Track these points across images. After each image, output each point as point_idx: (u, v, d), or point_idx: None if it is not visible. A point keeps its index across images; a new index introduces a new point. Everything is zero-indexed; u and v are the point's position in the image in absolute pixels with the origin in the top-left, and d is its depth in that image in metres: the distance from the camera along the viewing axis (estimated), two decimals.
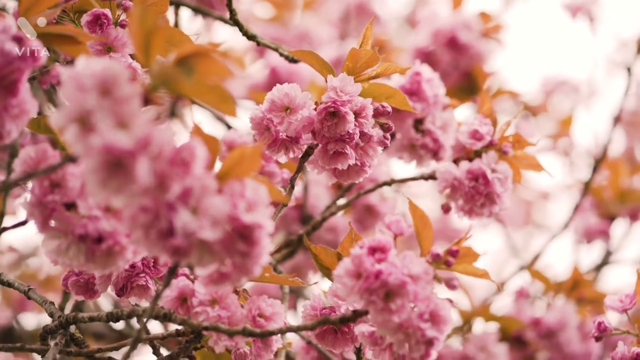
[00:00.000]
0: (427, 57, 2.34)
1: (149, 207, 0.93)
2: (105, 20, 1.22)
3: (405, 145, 1.59)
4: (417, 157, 1.60)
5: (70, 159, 0.97)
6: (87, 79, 0.89)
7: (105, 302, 2.39)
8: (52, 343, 1.20)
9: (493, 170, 1.45)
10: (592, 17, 3.33)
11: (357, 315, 1.12)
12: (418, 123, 1.58)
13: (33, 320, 2.78)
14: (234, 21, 1.55)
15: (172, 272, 1.04)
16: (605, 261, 2.82)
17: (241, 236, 0.96)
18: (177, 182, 0.91)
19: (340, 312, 1.20)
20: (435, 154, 1.58)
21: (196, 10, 1.92)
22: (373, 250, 1.09)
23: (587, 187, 2.55)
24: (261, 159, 0.99)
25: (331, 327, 1.22)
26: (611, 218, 2.64)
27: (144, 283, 1.24)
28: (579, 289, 2.29)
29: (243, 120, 3.14)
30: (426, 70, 1.57)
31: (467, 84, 2.40)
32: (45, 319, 2.69)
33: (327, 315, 1.17)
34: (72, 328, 1.24)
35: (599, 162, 2.56)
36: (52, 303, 1.27)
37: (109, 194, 0.90)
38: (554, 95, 3.65)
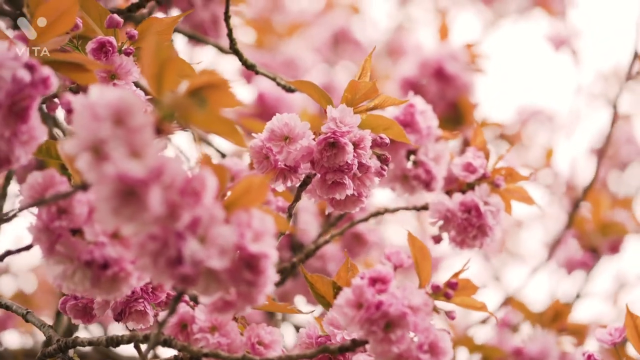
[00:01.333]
0: (414, 87, 2.36)
1: (158, 235, 0.94)
2: (110, 48, 1.23)
3: (397, 176, 1.60)
4: (409, 187, 1.61)
5: (83, 186, 0.98)
6: (101, 108, 0.90)
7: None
8: None
9: (485, 203, 1.47)
10: (574, 50, 3.39)
11: (356, 345, 1.14)
12: (411, 154, 1.60)
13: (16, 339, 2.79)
14: (234, 50, 1.56)
15: (178, 300, 1.05)
16: (581, 293, 2.85)
17: (248, 265, 0.97)
18: (187, 211, 0.92)
19: (335, 341, 1.21)
20: (427, 185, 1.59)
21: (191, 37, 1.94)
22: (374, 281, 1.10)
23: (571, 219, 2.58)
24: (268, 190, 1.00)
25: (326, 355, 1.23)
26: (592, 250, 2.68)
27: (142, 308, 1.25)
28: (560, 320, 2.31)
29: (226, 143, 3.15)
30: (420, 102, 1.59)
31: (453, 114, 2.42)
32: (30, 339, 2.70)
33: (326, 345, 1.18)
34: (71, 352, 1.24)
35: (584, 194, 2.59)
36: (50, 327, 1.28)
37: (121, 222, 0.91)
38: (529, 124, 3.70)
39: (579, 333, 2.38)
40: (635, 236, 2.84)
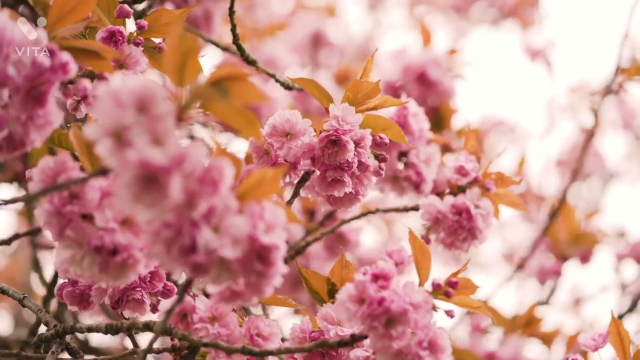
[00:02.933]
0: (395, 91, 2.37)
1: (173, 223, 0.95)
2: (120, 37, 1.24)
3: (388, 177, 1.62)
4: (399, 189, 1.63)
5: (100, 172, 0.99)
6: (125, 95, 0.91)
7: None
8: (49, 351, 1.21)
9: (476, 206, 1.49)
10: (549, 62, 3.43)
11: (354, 340, 1.15)
12: (402, 155, 1.62)
13: None
14: (237, 45, 1.57)
15: (186, 288, 1.06)
16: (549, 300, 2.89)
17: (259, 256, 0.98)
18: (205, 200, 0.94)
19: (329, 336, 1.22)
20: (417, 187, 1.62)
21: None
22: (376, 278, 1.12)
23: (545, 230, 2.63)
24: (280, 183, 1.02)
25: (319, 350, 1.24)
26: (564, 259, 2.72)
27: (140, 297, 1.25)
28: (532, 326, 2.35)
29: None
30: (412, 105, 1.61)
31: (434, 119, 2.44)
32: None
33: (325, 339, 1.19)
34: (68, 337, 1.25)
35: (559, 204, 2.63)
36: (47, 312, 1.28)
37: (141, 207, 0.92)
38: (491, 134, 3.75)
39: (548, 339, 2.42)
40: (603, 247, 2.89)
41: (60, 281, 1.28)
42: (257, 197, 1.00)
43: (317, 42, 3.44)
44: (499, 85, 4.91)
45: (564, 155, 4.17)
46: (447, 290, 1.16)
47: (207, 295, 1.19)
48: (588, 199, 3.96)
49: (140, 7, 1.66)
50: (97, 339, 2.64)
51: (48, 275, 2.20)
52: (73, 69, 1.02)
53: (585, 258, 2.73)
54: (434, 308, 1.15)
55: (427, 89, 2.40)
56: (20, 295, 1.31)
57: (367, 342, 1.16)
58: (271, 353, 1.15)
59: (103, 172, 0.99)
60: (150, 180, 0.91)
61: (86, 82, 1.06)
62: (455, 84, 2.46)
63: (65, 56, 1.01)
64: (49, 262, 2.81)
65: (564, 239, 2.69)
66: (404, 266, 1.17)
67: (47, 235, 1.12)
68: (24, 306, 1.30)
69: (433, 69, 2.39)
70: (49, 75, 1.00)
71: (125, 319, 1.28)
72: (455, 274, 1.17)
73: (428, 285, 1.17)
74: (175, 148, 0.91)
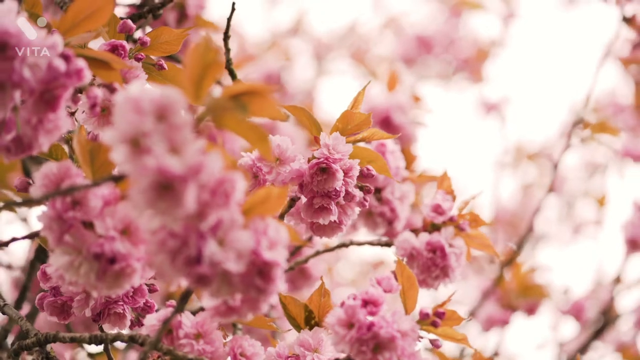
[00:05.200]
0: None
1: (179, 233, 0.96)
2: (122, 52, 1.25)
3: (362, 212, 1.64)
4: (372, 224, 1.66)
5: (112, 179, 0.99)
6: (145, 103, 0.92)
7: None
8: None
9: (450, 245, 1.52)
10: (503, 117, 3.51)
11: None
12: (377, 192, 1.64)
13: None
14: (229, 70, 1.59)
15: (185, 300, 1.07)
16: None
17: (260, 272, 0.99)
18: (215, 212, 0.95)
19: None
20: (390, 223, 1.64)
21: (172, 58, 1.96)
22: (366, 303, 1.14)
23: (498, 281, 2.68)
24: (285, 201, 1.03)
25: None
26: (512, 309, 2.77)
27: (122, 311, 1.26)
28: None
29: None
30: (390, 143, 1.64)
31: None
32: None
33: None
34: (48, 347, 1.24)
35: (509, 258, 2.69)
36: (27, 320, 1.27)
37: (153, 214, 0.93)
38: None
39: None
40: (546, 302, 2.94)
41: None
42: (261, 213, 1.01)
43: (268, 82, 3.48)
44: (448, 138, 4.99)
45: (503, 212, 4.26)
46: (434, 320, 1.18)
47: (193, 313, 1.20)
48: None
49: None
50: None
51: None
52: (87, 75, 1.03)
53: (531, 310, 2.78)
54: (419, 337, 1.17)
55: (391, 134, 2.42)
56: (2, 303, 1.30)
57: None
58: None
59: (114, 179, 0.99)
60: (166, 188, 0.91)
61: (97, 91, 1.06)
62: (417, 131, 2.50)
63: (81, 62, 1.02)
64: None
65: (513, 290, 2.74)
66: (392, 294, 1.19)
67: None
68: (4, 313, 1.29)
69: (397, 114, 2.42)
70: (64, 80, 1.01)
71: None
72: (441, 305, 1.19)
73: (414, 315, 1.19)
74: (192, 158, 0.92)
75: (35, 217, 1.06)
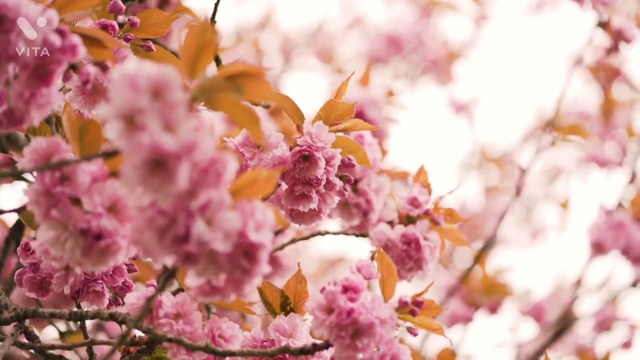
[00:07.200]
0: None
1: (168, 211, 0.97)
2: (112, 32, 1.25)
3: (339, 202, 1.65)
4: (347, 214, 1.67)
5: (104, 154, 1.00)
6: (142, 80, 0.92)
7: None
8: (9, 334, 1.20)
9: (425, 238, 1.53)
10: (472, 118, 3.53)
11: (316, 349, 1.18)
12: (354, 183, 1.66)
13: None
14: (215, 57, 1.59)
15: (169, 278, 1.07)
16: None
17: (246, 253, 1.00)
18: (206, 191, 0.96)
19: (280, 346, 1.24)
20: (365, 214, 1.66)
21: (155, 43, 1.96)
22: (346, 289, 1.15)
23: (463, 279, 2.71)
24: (273, 185, 1.04)
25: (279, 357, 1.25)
26: (476, 307, 2.80)
27: (100, 290, 1.26)
28: None
29: None
30: (368, 135, 1.66)
31: None
32: None
33: (287, 345, 1.21)
34: (27, 322, 1.24)
35: (476, 257, 2.72)
36: (5, 295, 1.27)
37: (147, 190, 0.94)
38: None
39: None
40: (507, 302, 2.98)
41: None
42: (249, 195, 1.02)
43: None
44: (415, 137, 5.01)
45: (466, 213, 4.28)
46: (412, 308, 1.19)
47: (173, 294, 1.21)
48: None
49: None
50: None
51: None
52: (82, 52, 1.03)
53: (494, 309, 2.82)
54: (397, 325, 1.19)
55: None
56: None
57: (326, 352, 1.19)
58: (233, 354, 1.17)
59: (104, 155, 1.00)
60: (159, 165, 0.92)
61: (90, 68, 1.07)
62: (389, 127, 2.52)
63: (76, 39, 1.03)
64: None
65: (477, 288, 2.77)
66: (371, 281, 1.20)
67: None
68: None
69: (371, 109, 2.43)
70: (58, 55, 1.02)
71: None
72: (420, 294, 1.21)
73: (392, 303, 1.20)
74: (186, 136, 0.93)
75: (22, 190, 1.06)
